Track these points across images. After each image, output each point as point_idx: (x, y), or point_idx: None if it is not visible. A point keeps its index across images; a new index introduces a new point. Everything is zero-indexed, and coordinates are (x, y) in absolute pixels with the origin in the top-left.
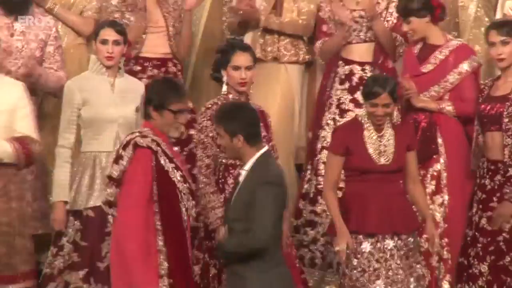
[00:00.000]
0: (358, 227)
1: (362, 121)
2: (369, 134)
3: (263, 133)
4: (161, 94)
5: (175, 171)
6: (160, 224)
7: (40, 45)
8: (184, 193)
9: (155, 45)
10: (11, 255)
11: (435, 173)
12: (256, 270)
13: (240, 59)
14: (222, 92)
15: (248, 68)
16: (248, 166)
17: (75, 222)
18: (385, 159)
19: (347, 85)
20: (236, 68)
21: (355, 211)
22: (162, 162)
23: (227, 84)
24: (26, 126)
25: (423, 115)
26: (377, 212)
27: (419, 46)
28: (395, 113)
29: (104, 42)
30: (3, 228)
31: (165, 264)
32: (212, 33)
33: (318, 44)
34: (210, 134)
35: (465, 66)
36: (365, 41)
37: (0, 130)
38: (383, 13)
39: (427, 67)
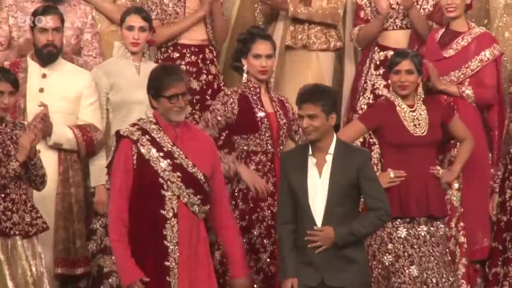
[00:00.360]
0: (402, 213)
1: (392, 99)
2: (402, 109)
3: (283, 120)
4: (157, 82)
5: (161, 159)
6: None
7: (76, 33)
8: (172, 182)
9: (193, 33)
10: (72, 240)
11: (452, 158)
12: (363, 251)
13: (261, 47)
14: (243, 81)
15: (268, 56)
16: (332, 149)
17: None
18: (420, 131)
19: (381, 70)
20: (257, 56)
21: (396, 196)
22: (144, 151)
23: (247, 73)
24: (90, 114)
25: (442, 99)
26: (416, 195)
27: (441, 32)
28: (420, 89)
29: (130, 28)
30: (63, 212)
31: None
32: (244, 20)
33: (355, 30)
34: (218, 118)
35: (487, 54)
36: (401, 28)
37: (64, 116)
38: (419, 0)
39: (448, 52)
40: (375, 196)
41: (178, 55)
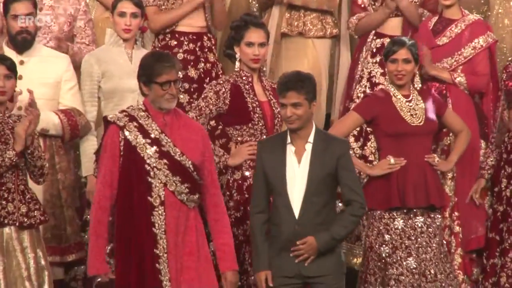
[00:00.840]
0: (401, 203)
1: (388, 89)
2: (398, 99)
3: (278, 109)
4: (148, 69)
5: (148, 146)
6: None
7: (68, 20)
8: (158, 169)
9: (191, 20)
10: (62, 227)
11: (445, 147)
12: None
13: (254, 35)
14: (235, 70)
15: (261, 44)
16: (311, 137)
17: None
18: (417, 120)
19: (378, 58)
20: (250, 44)
21: (395, 186)
22: (130, 137)
23: (240, 61)
24: (72, 99)
25: (434, 86)
26: (414, 185)
27: (434, 20)
28: (417, 79)
29: (122, 14)
30: (51, 199)
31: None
32: (238, 7)
33: (353, 19)
34: (211, 107)
35: (480, 41)
36: (396, 15)
37: (45, 103)
38: None
39: (442, 40)
40: (351, 187)
41: (176, 42)
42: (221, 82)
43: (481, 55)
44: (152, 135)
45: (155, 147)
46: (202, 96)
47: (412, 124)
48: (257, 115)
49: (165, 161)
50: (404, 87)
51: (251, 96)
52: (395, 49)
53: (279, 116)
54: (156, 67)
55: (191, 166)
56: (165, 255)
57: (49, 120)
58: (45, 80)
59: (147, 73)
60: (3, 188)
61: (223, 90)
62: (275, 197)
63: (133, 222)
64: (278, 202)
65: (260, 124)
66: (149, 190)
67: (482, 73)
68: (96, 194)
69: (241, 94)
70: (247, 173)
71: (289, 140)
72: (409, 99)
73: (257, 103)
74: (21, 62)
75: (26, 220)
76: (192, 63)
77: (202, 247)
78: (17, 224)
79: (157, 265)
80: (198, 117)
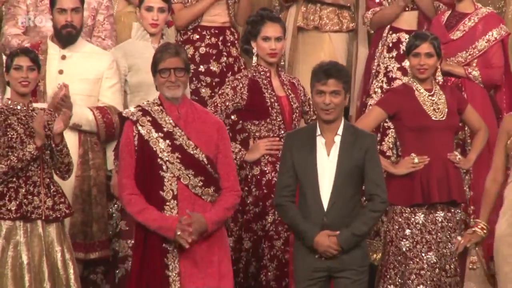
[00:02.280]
0: (425, 200)
1: (411, 83)
2: (420, 93)
3: (296, 104)
4: (153, 59)
5: (161, 140)
6: None
7: (92, 14)
8: (171, 162)
9: (215, 14)
10: (89, 223)
11: (460, 142)
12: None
13: (270, 29)
14: (253, 64)
15: (277, 39)
16: (341, 130)
17: None
18: (440, 115)
19: (394, 53)
20: (266, 39)
21: (419, 182)
22: (143, 132)
23: (257, 55)
24: (112, 96)
25: (450, 80)
26: (438, 180)
27: (447, 14)
28: (439, 73)
29: (149, 9)
30: (81, 195)
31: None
32: (259, 2)
33: (368, 14)
34: (227, 104)
35: (494, 34)
36: (412, 9)
37: (84, 98)
38: None
39: (456, 34)
40: (375, 181)
41: (198, 37)
42: (239, 77)
43: (495, 47)
44: (165, 129)
45: (167, 141)
46: (219, 92)
47: (435, 119)
48: (275, 110)
49: (177, 154)
50: (426, 81)
51: (269, 91)
52: (417, 43)
53: (297, 111)
54: (157, 56)
55: (204, 159)
56: (175, 249)
57: (83, 116)
58: (85, 76)
59: (153, 64)
60: (29, 182)
61: (241, 85)
62: (303, 189)
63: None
64: (306, 194)
65: (278, 119)
66: (161, 184)
67: (497, 66)
68: (124, 188)
69: (259, 89)
70: (265, 169)
71: (318, 132)
72: (432, 93)
73: (275, 98)
74: (63, 57)
75: (52, 213)
76: (214, 57)
77: (221, 242)
78: (43, 217)
79: (165, 259)
80: (214, 113)
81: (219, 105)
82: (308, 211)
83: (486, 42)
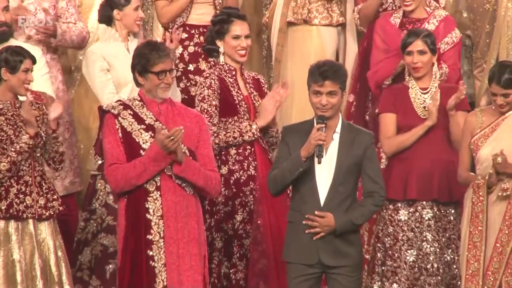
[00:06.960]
0: (402, 196)
1: (407, 80)
2: (414, 90)
3: (259, 102)
4: (143, 58)
5: (143, 132)
6: None
7: (52, 3)
8: None
9: (202, 13)
10: None
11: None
12: (359, 233)
13: (239, 28)
14: (221, 63)
15: (246, 37)
16: (339, 127)
17: (106, 184)
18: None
19: None
20: (237, 37)
21: (396, 177)
22: (126, 124)
23: (223, 54)
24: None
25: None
26: (418, 178)
27: (397, 19)
28: (435, 68)
29: (136, 8)
30: None
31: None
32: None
33: (355, 14)
34: (213, 103)
35: (454, 35)
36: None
37: None
38: None
39: None
40: (374, 179)
41: (186, 35)
42: (208, 75)
43: (455, 48)
44: (147, 122)
45: (150, 132)
46: (199, 98)
47: (422, 117)
48: (242, 108)
49: None
50: (423, 79)
51: (236, 89)
52: (410, 40)
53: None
54: (151, 57)
55: (186, 151)
56: (161, 240)
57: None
58: None
59: (142, 63)
60: (21, 181)
61: (213, 82)
62: (299, 184)
63: (129, 210)
64: (302, 190)
65: (245, 118)
66: None
67: (458, 67)
68: (111, 167)
69: (227, 87)
70: (233, 168)
71: None
72: (426, 91)
73: (241, 96)
74: None
75: (45, 212)
76: (202, 56)
77: (202, 233)
78: (36, 217)
79: (149, 251)
80: (210, 119)
81: (208, 109)
82: (304, 206)
83: (445, 44)
